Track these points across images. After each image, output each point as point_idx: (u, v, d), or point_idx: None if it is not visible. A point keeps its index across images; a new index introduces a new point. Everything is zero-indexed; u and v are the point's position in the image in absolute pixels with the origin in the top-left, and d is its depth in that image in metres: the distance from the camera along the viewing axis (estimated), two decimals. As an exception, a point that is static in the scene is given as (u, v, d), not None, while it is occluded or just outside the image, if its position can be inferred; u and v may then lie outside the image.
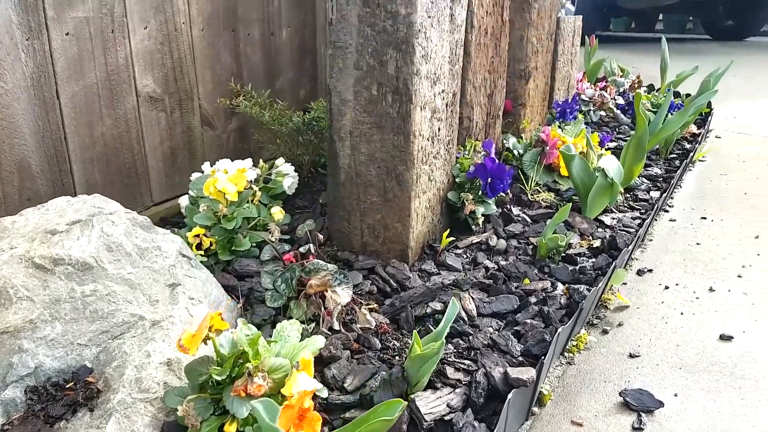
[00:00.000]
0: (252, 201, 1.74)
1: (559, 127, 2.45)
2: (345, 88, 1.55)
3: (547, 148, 2.09)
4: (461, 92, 1.87)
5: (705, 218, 2.17)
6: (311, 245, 1.38)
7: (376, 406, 0.87)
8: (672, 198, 2.36)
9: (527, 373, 1.14)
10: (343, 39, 1.51)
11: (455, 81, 1.67)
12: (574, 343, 1.45)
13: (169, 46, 1.92)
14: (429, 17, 1.46)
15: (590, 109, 3.07)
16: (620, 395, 1.27)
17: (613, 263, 1.55)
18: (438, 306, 1.42)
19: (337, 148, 1.62)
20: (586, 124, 3.03)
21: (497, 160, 1.80)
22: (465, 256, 1.67)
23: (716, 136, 3.30)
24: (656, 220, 2.15)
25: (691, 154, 2.72)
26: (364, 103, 1.54)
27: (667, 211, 2.24)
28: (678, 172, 2.36)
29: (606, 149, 2.57)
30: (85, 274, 1.16)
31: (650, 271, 1.79)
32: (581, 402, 1.27)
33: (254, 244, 1.61)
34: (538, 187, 2.09)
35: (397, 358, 1.25)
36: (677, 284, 1.72)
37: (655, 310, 1.60)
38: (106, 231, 1.21)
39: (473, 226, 1.76)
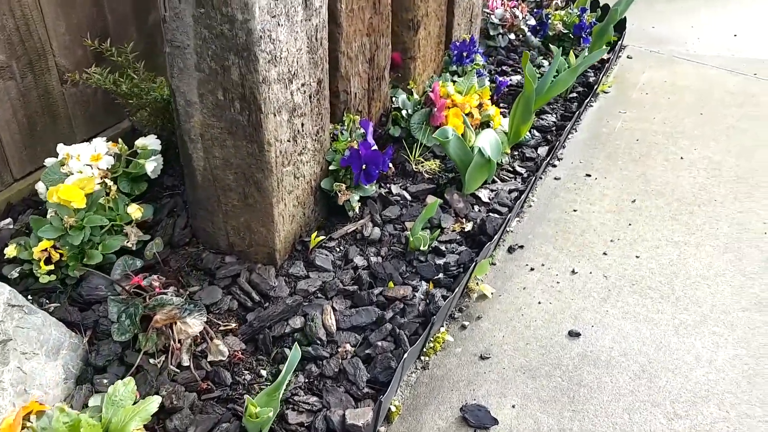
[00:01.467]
0: (108, 195, 1.63)
1: (455, 73, 2.33)
2: (189, 90, 1.40)
3: (435, 109, 2.00)
4: (335, 65, 1.73)
5: (589, 175, 2.19)
6: (153, 279, 1.33)
7: None
8: (564, 147, 2.36)
9: (364, 417, 1.19)
10: (179, 39, 1.33)
11: (319, 66, 1.53)
12: (432, 345, 1.51)
13: (8, 4, 1.66)
14: (273, 17, 1.29)
15: (499, 33, 2.91)
16: (461, 411, 1.35)
17: (475, 260, 1.57)
18: (298, 323, 1.42)
19: (190, 149, 1.51)
20: (494, 49, 2.90)
21: (374, 144, 1.72)
22: (338, 250, 1.66)
23: (628, 56, 3.24)
24: (541, 178, 2.16)
25: (594, 87, 2.68)
26: (212, 107, 1.40)
27: (555, 166, 2.24)
28: (569, 125, 2.33)
29: (504, 90, 2.48)
30: None
31: (521, 247, 1.83)
32: (426, 417, 1.35)
33: (112, 251, 1.54)
34: (422, 155, 2.03)
35: (246, 396, 1.27)
36: (543, 264, 1.77)
37: (515, 298, 1.66)
38: None
39: (350, 212, 1.73)
